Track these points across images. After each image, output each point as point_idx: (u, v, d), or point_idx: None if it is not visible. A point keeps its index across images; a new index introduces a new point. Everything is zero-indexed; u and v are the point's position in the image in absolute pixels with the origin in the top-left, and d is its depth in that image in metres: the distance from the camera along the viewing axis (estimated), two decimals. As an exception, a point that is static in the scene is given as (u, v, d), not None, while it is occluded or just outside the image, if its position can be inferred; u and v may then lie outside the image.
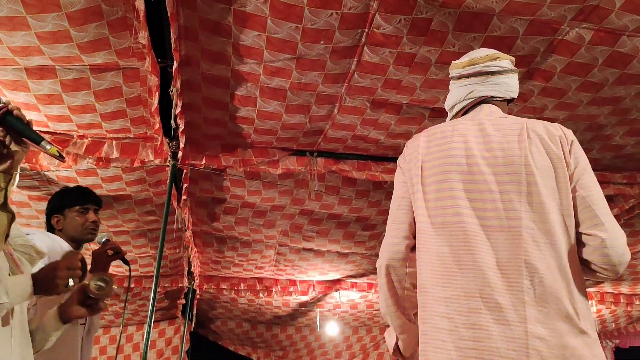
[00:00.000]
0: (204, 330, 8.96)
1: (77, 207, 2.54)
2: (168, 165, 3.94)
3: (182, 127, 3.53)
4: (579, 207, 1.41)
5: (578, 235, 1.42)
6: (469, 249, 1.39)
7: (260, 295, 7.04)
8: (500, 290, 1.34)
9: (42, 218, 4.84)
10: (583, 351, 1.27)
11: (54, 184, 4.27)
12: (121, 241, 5.46)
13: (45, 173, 4.10)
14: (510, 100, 1.68)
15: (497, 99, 1.63)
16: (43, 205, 4.60)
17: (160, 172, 4.20)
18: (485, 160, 1.47)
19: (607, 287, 6.92)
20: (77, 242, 2.57)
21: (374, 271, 6.49)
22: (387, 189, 4.52)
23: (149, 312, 3.81)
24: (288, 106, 3.42)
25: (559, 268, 1.35)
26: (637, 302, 7.15)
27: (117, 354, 8.16)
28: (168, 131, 3.71)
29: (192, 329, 8.12)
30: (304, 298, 7.42)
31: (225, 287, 6.84)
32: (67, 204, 2.54)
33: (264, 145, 3.96)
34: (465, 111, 1.67)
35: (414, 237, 1.58)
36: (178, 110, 3.36)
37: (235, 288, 6.84)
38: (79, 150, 3.73)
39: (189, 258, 6.01)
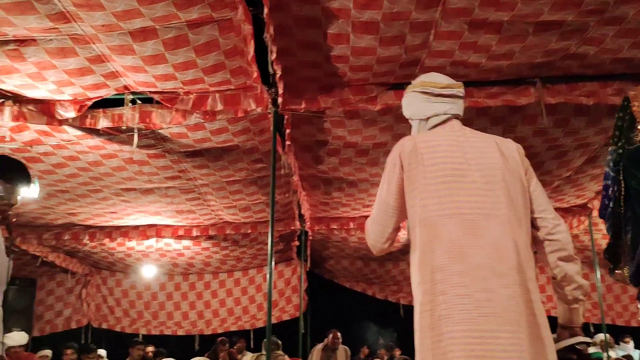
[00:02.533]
0: (319, 269, 9.33)
1: None
2: (270, 113, 4.04)
3: (279, 73, 3.58)
4: (533, 200, 1.95)
5: (532, 219, 1.94)
6: (475, 233, 1.81)
7: (371, 233, 7.15)
8: (501, 261, 1.77)
9: (162, 174, 5.23)
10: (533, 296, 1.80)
11: (168, 141, 4.56)
12: (234, 190, 5.76)
13: (159, 131, 4.37)
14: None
15: (459, 116, 2.14)
16: (162, 162, 4.96)
17: (263, 120, 4.32)
18: (476, 166, 1.92)
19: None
20: None
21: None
22: (491, 115, 4.33)
23: (269, 253, 4.01)
24: (382, 39, 3.34)
25: (526, 243, 1.85)
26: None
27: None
28: (266, 79, 3.79)
29: (308, 269, 8.49)
30: (413, 233, 7.44)
31: (336, 227, 7.02)
32: None
33: (360, 82, 3.92)
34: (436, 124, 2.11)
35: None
36: (274, 56, 3.40)
37: (345, 227, 7.00)
38: (186, 106, 3.92)
39: (298, 201, 6.22)
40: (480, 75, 3.84)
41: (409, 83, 3.84)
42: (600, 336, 7.89)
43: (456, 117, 2.12)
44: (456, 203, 1.84)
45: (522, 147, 2.04)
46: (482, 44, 3.41)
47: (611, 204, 2.28)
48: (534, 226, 1.93)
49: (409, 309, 9.95)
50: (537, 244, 1.95)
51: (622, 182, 2.27)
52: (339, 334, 7.45)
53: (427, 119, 2.10)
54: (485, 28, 3.24)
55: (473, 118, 4.34)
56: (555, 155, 5.01)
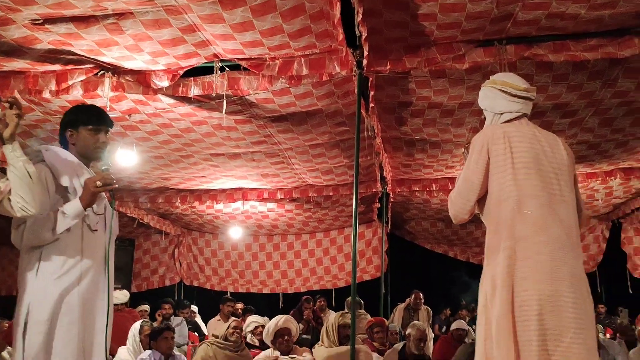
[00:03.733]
0: (400, 231, 9.34)
1: (90, 127, 2.55)
2: (354, 75, 4.01)
3: (364, 34, 3.53)
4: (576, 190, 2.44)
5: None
6: (552, 212, 2.25)
7: (453, 194, 7.04)
8: (569, 237, 2.24)
9: (249, 139, 5.37)
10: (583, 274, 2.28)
11: (254, 106, 4.66)
12: (317, 153, 5.82)
13: (247, 97, 4.48)
14: None
15: (527, 115, 2.53)
16: (248, 127, 5.09)
17: (347, 83, 4.31)
18: (547, 157, 2.34)
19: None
20: (85, 159, 2.59)
21: (576, 161, 6.00)
22: (589, 69, 4.08)
23: (353, 215, 4.06)
24: (472, -6, 3.21)
25: (577, 224, 2.35)
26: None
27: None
28: (351, 41, 3.75)
29: (388, 231, 8.52)
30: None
31: (417, 189, 6.96)
32: (81, 122, 2.56)
33: (448, 40, 3.80)
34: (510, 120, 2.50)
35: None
36: (360, 17, 3.36)
37: (427, 189, 6.93)
38: (272, 72, 3.97)
39: (380, 164, 6.21)
40: (578, 27, 3.61)
41: (500, 39, 3.79)
42: None
43: (525, 115, 2.51)
44: (535, 186, 2.27)
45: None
46: (582, -6, 3.20)
47: None
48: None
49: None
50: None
51: None
52: (421, 294, 7.49)
53: (502, 113, 2.50)
54: (586, -24, 3.04)
55: (569, 73, 4.12)
56: (659, 110, 4.68)
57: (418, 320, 6.78)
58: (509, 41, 3.79)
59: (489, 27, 3.63)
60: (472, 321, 8.50)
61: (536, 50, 3.74)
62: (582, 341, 2.11)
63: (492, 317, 2.20)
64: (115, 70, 4.05)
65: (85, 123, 2.56)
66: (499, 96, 2.49)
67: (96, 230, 2.51)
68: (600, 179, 6.43)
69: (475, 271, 9.52)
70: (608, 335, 7.46)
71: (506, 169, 2.28)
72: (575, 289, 2.16)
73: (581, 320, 2.13)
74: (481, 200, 2.40)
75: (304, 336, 6.42)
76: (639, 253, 8.49)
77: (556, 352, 2.09)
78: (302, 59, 3.92)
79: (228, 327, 4.65)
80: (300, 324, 6.71)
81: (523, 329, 2.12)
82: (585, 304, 2.18)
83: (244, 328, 6.32)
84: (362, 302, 7.33)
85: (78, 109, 2.70)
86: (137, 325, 4.83)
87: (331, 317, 4.91)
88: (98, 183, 2.40)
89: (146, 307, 7.36)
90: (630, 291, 8.40)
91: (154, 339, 4.39)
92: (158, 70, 4.05)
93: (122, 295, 6.37)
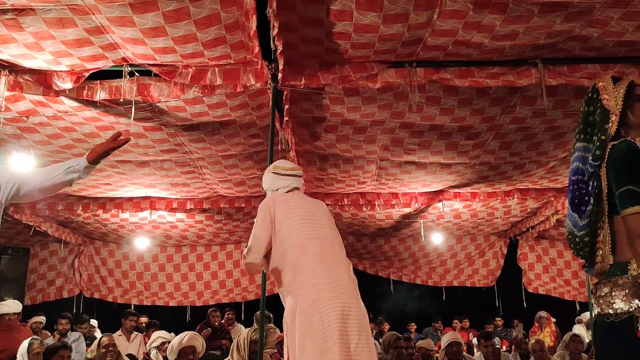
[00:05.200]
0: (312, 244, 9.37)
1: None
2: (269, 88, 4.00)
3: (280, 48, 3.53)
4: None
5: None
6: (327, 248, 2.91)
7: (364, 209, 7.19)
8: (339, 264, 2.91)
9: (158, 147, 5.20)
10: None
11: (165, 114, 4.52)
12: (229, 164, 5.75)
13: (157, 104, 4.33)
14: None
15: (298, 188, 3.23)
16: (158, 135, 4.93)
17: (261, 96, 4.29)
18: (316, 212, 3.06)
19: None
20: None
21: (478, 180, 6.38)
22: (491, 95, 4.33)
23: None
24: (385, 16, 3.30)
25: (343, 253, 3.03)
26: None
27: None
28: (266, 54, 3.74)
29: (300, 243, 8.52)
30: (407, 210, 7.49)
31: (330, 203, 7.03)
32: None
33: (361, 59, 3.89)
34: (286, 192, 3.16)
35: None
36: (275, 31, 3.36)
37: (339, 203, 7.02)
38: (185, 80, 3.87)
39: (293, 177, 6.20)
40: (482, 55, 3.82)
41: (410, 61, 3.93)
42: (586, 315, 8.07)
43: (296, 188, 3.19)
44: (314, 231, 2.91)
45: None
46: (486, 24, 3.38)
47: (592, 201, 2.14)
48: None
49: (399, 284, 10.05)
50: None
51: (601, 178, 2.14)
52: None
53: (277, 189, 3.15)
54: (490, 7, 3.22)
55: (473, 98, 4.34)
56: (552, 136, 5.04)
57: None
58: (419, 64, 3.94)
59: (400, 50, 3.76)
60: (379, 334, 8.68)
61: (443, 74, 3.91)
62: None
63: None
64: (13, 68, 3.78)
65: None
66: (274, 177, 3.18)
67: None
68: (499, 198, 6.82)
69: (381, 284, 9.77)
70: (504, 348, 7.88)
71: (290, 221, 2.90)
72: (349, 295, 2.78)
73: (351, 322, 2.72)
74: (267, 257, 2.97)
75: (212, 352, 6.25)
76: (533, 269, 9.09)
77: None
78: (216, 69, 3.85)
79: (98, 347, 4.30)
80: (207, 332, 6.54)
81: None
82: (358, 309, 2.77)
83: (148, 343, 6.06)
84: (272, 316, 7.26)
85: None
86: (25, 344, 4.48)
87: (243, 332, 4.82)
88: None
89: (41, 319, 6.81)
90: (525, 305, 8.95)
91: (48, 358, 4.10)
92: (61, 71, 3.82)
93: (14, 305, 5.83)
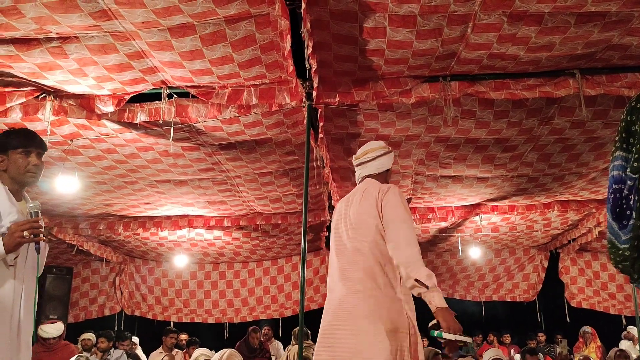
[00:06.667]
0: (347, 259, 9.34)
1: (20, 150, 2.45)
2: (304, 106, 4.05)
3: (314, 67, 3.58)
4: None
5: None
6: (335, 259, 2.72)
7: (400, 224, 7.13)
8: (341, 275, 2.58)
9: (196, 166, 5.30)
10: None
11: (202, 134, 4.61)
12: (265, 182, 5.80)
13: (195, 125, 4.43)
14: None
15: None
16: (196, 154, 5.02)
17: (296, 114, 4.34)
18: (345, 212, 2.75)
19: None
20: (18, 184, 2.48)
21: (515, 193, 6.27)
22: (527, 107, 4.28)
23: (302, 244, 4.03)
24: (418, 32, 3.31)
25: (351, 263, 2.62)
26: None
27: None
28: (301, 73, 3.80)
29: (336, 259, 8.50)
30: (443, 224, 7.41)
31: (365, 219, 7.01)
32: (11, 145, 2.46)
33: (395, 75, 3.90)
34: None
35: None
36: (309, 50, 3.40)
37: (375, 219, 6.98)
38: (222, 100, 3.96)
39: (329, 193, 6.23)
40: (517, 67, 3.79)
41: (444, 75, 3.92)
42: (634, 329, 7.79)
43: (368, 176, 2.82)
44: (332, 242, 2.76)
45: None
46: (521, 36, 3.36)
47: (634, 215, 2.09)
48: None
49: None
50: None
51: None
52: None
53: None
54: (525, 20, 3.20)
55: (509, 110, 4.30)
56: (592, 147, 4.93)
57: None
58: (453, 78, 3.92)
59: (434, 64, 3.76)
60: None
61: (478, 87, 3.89)
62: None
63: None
64: (58, 93, 3.93)
65: (15, 147, 2.45)
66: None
67: (12, 265, 2.34)
68: (539, 210, 6.68)
69: (418, 299, 9.63)
70: (547, 364, 7.67)
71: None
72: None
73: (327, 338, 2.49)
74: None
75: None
76: (575, 282, 8.83)
77: None
78: (252, 89, 3.92)
79: None
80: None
81: None
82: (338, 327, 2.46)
83: (190, 361, 6.13)
84: (309, 332, 7.25)
85: (6, 133, 2.56)
86: (72, 360, 4.60)
87: (294, 348, 4.80)
88: (25, 234, 2.24)
89: (90, 336, 6.86)
90: (568, 320, 8.70)
91: (91, 374, 4.19)
92: (103, 95, 3.95)
93: (52, 330, 5.94)
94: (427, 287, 2.22)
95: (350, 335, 2.38)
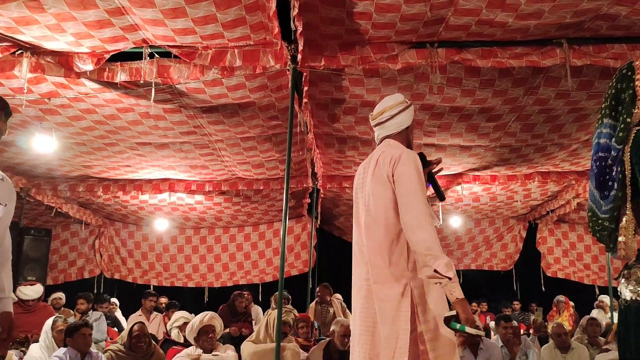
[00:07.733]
0: (329, 226, 9.40)
1: None
2: (288, 70, 3.97)
3: (300, 29, 3.50)
4: None
5: None
6: (354, 237, 2.63)
7: (382, 191, 7.14)
8: (360, 254, 2.52)
9: (178, 129, 5.22)
10: None
11: (185, 96, 4.52)
12: (248, 146, 5.75)
13: (176, 86, 4.33)
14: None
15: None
16: (177, 117, 4.93)
17: (281, 77, 4.27)
18: (362, 184, 2.62)
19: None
20: None
21: (498, 163, 6.31)
22: (514, 76, 4.25)
23: (284, 210, 4.02)
24: (407, -5, 3.25)
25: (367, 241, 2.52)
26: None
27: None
28: (286, 35, 3.71)
29: (317, 226, 8.55)
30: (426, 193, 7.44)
31: (348, 186, 7.02)
32: None
33: (382, 40, 3.84)
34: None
35: None
36: (295, 11, 3.32)
37: (357, 186, 6.98)
38: (204, 61, 3.86)
39: (312, 159, 6.20)
40: (505, 35, 3.75)
41: (432, 42, 3.87)
42: (606, 298, 8.00)
43: (386, 137, 2.61)
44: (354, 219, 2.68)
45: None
46: (510, 2, 3.31)
47: (616, 186, 2.07)
48: None
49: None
50: None
51: (625, 163, 2.07)
52: (329, 288, 7.15)
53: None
54: (515, -14, 3.15)
55: (495, 79, 4.28)
56: (575, 118, 4.95)
57: (333, 313, 6.80)
58: (441, 44, 3.87)
59: (422, 30, 3.70)
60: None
61: (465, 54, 3.85)
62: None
63: None
64: (35, 50, 3.80)
65: None
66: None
67: None
68: (519, 181, 6.74)
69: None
70: (522, 331, 7.85)
71: None
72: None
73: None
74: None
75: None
76: (552, 252, 9.01)
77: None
78: (236, 50, 3.83)
79: (130, 335, 4.26)
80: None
81: None
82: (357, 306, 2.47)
83: (169, 323, 6.14)
84: (290, 297, 7.30)
85: None
86: (49, 321, 4.57)
87: (273, 312, 4.80)
88: None
89: (60, 295, 6.81)
90: (543, 289, 8.90)
91: (70, 335, 4.17)
92: (82, 53, 3.83)
93: (31, 292, 5.89)
94: (449, 278, 2.16)
95: (367, 311, 2.43)
